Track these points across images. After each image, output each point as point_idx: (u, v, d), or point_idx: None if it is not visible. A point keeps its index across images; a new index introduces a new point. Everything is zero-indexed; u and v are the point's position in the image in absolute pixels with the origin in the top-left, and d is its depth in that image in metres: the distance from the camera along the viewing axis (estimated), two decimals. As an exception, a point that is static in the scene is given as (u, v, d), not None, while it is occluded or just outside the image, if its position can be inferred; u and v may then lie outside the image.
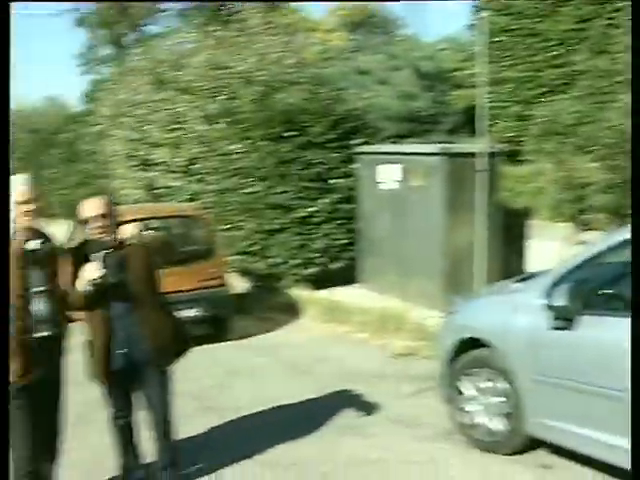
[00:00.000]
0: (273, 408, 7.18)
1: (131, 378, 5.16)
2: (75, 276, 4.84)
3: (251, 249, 11.92)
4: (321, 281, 11.91)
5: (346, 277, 11.97)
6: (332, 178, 11.82)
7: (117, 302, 4.97)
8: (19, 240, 4.73)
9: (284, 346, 9.62)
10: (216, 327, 9.87)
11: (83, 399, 6.48)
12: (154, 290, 5.12)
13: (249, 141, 11.98)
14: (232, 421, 6.89)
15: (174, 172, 13.88)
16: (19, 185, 4.77)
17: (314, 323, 10.74)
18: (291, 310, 11.30)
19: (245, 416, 6.99)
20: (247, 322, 10.84)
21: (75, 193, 20.49)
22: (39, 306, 4.78)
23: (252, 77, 14.01)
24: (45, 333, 4.81)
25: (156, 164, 14.36)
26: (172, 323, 5.23)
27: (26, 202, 4.72)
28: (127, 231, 5.02)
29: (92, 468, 5.92)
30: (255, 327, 10.62)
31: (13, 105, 43.67)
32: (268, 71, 14.16)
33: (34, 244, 4.79)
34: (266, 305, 11.51)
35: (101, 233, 4.89)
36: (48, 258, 4.85)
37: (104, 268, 4.80)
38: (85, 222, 4.93)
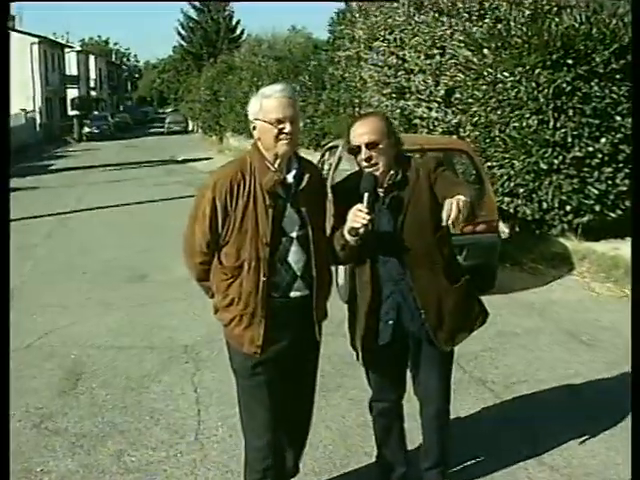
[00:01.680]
0: (554, 389, 5.98)
1: (401, 356, 4.05)
2: (340, 219, 3.74)
3: (518, 191, 10.56)
4: (595, 231, 10.47)
5: (624, 229, 10.41)
6: (616, 114, 10.17)
7: (389, 258, 3.84)
8: (272, 171, 3.70)
9: (557, 306, 8.34)
10: (481, 278, 8.68)
11: (332, 353, 5.60)
12: (441, 246, 3.89)
13: (521, 69, 10.53)
14: (506, 402, 5.76)
15: (432, 101, 12.78)
16: (279, 94, 3.69)
17: (589, 280, 9.34)
18: (561, 263, 9.97)
19: (523, 397, 5.84)
20: (511, 274, 9.67)
21: (322, 122, 20.06)
22: (295, 257, 3.75)
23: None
24: (300, 292, 3.78)
25: (412, 92, 13.28)
26: (463, 291, 3.96)
27: (285, 120, 3.64)
28: (413, 165, 3.88)
29: (338, 451, 5.02)
30: (521, 281, 9.41)
31: (262, 34, 44.58)
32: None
33: (292, 176, 3.76)
34: (532, 255, 10.21)
35: (373, 166, 3.76)
36: (309, 195, 3.79)
37: (374, 212, 3.66)
38: (356, 150, 3.81)
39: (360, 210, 3.55)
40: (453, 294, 3.90)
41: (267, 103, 3.67)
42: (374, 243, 3.77)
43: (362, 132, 3.77)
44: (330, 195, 4.01)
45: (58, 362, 6.95)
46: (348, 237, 3.66)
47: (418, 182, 3.80)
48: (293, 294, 3.77)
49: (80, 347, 7.38)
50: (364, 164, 3.78)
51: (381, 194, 3.81)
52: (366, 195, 3.62)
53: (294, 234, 3.74)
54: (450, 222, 3.38)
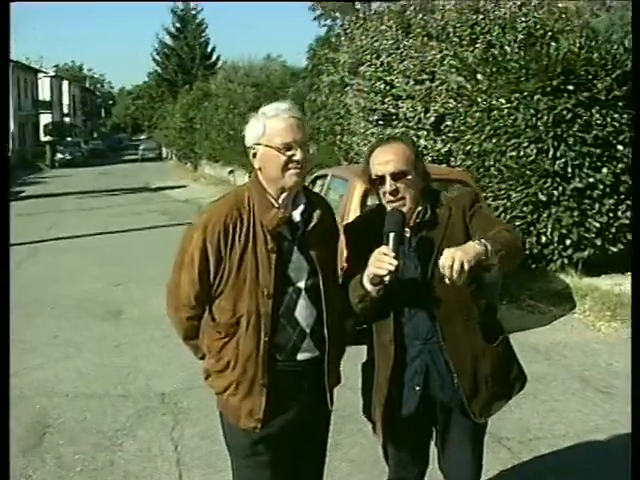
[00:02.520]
0: (576, 447, 5.37)
1: (426, 427, 3.41)
2: (355, 266, 3.13)
3: (514, 223, 10.01)
4: (596, 266, 9.95)
5: (626, 263, 9.90)
6: (618, 144, 9.72)
7: (416, 312, 3.18)
8: (276, 207, 3.07)
9: (563, 348, 7.75)
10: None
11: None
12: (477, 297, 3.24)
13: (518, 95, 10.04)
14: (526, 463, 5.14)
15: (421, 129, 12.25)
16: (287, 114, 3.05)
17: (594, 319, 8.76)
18: (562, 300, 9.40)
19: (544, 456, 5.22)
20: (508, 311, 9.05)
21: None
22: (303, 312, 3.10)
23: (514, 24, 12.14)
24: (310, 354, 3.13)
25: (400, 119, 12.76)
26: (502, 351, 3.33)
27: (295, 145, 3.00)
28: (448, 200, 3.26)
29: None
30: (520, 319, 8.81)
31: (238, 61, 44.32)
32: (532, 17, 12.24)
33: (299, 213, 3.12)
34: (530, 292, 9.64)
35: (399, 200, 3.13)
36: (319, 236, 3.14)
37: (399, 257, 2.98)
38: (377, 182, 3.18)
39: (385, 254, 2.92)
40: (490, 355, 3.26)
41: (272, 125, 3.03)
42: (399, 294, 3.13)
43: (387, 159, 3.14)
44: (342, 235, 3.38)
45: (21, 413, 6.22)
46: (369, 286, 3.02)
47: (450, 221, 3.18)
48: (301, 356, 3.12)
49: (47, 395, 6.69)
50: (389, 198, 3.14)
51: (407, 235, 3.18)
52: (392, 236, 2.99)
53: (302, 284, 3.09)
54: (447, 279, 2.81)
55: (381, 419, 3.27)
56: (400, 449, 3.42)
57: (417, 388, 3.21)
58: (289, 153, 2.99)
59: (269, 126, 3.03)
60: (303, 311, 3.09)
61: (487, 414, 3.29)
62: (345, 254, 3.30)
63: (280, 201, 3.07)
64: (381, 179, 3.14)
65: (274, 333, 3.05)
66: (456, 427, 3.33)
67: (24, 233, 17.65)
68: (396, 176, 3.11)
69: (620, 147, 9.70)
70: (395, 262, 2.89)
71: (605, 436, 5.52)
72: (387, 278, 2.93)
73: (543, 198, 9.76)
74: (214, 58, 65.66)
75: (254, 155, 3.10)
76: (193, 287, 3.10)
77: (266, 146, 3.02)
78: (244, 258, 3.03)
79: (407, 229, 3.17)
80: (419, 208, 3.18)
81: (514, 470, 5.02)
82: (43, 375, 7.25)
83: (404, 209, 3.13)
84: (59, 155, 56.16)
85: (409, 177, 3.13)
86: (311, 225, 3.11)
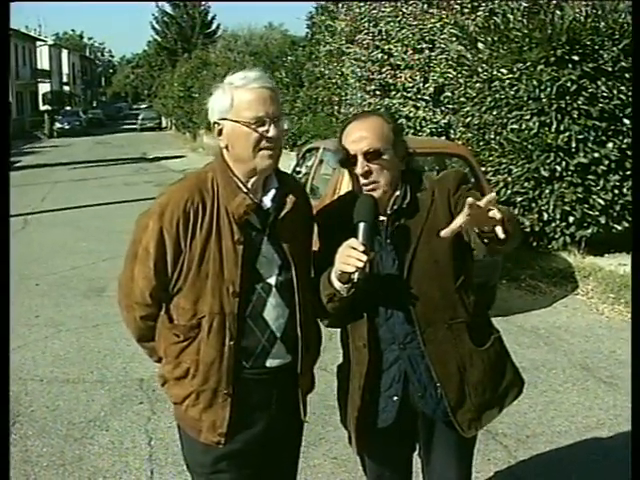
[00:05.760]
0: (577, 444, 5.02)
1: (407, 438, 3.01)
2: (329, 258, 2.66)
3: (515, 199, 9.66)
4: (599, 245, 9.60)
5: (630, 242, 9.55)
6: (625, 117, 9.33)
7: (394, 313, 2.78)
8: (244, 192, 2.67)
9: (565, 333, 7.40)
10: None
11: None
12: (463, 294, 2.83)
13: (521, 65, 9.62)
14: (523, 463, 4.79)
15: (420, 100, 11.86)
16: (257, 84, 2.62)
17: (597, 302, 8.42)
18: (563, 280, 9.07)
19: (542, 455, 4.87)
20: (508, 292, 8.74)
21: (300, 121, 19.11)
22: (274, 312, 2.71)
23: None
24: (280, 360, 2.75)
25: (398, 89, 12.35)
26: (492, 354, 2.91)
27: (268, 119, 2.60)
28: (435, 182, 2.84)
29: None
30: (520, 300, 8.50)
31: (238, 30, 43.87)
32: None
33: (270, 199, 2.72)
34: (530, 271, 9.28)
35: (370, 185, 2.72)
36: (293, 225, 2.74)
37: (373, 250, 2.65)
38: (351, 161, 2.74)
39: (354, 248, 2.50)
40: (480, 360, 2.85)
41: (240, 96, 2.60)
42: (373, 291, 2.73)
43: (360, 136, 2.71)
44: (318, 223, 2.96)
45: (-9, 400, 5.90)
46: (337, 285, 2.62)
47: (433, 207, 2.76)
48: (270, 363, 2.72)
49: (20, 380, 6.34)
50: (361, 181, 2.73)
51: (383, 224, 2.78)
52: (362, 226, 2.58)
53: (272, 280, 2.70)
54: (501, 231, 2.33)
55: (355, 431, 2.89)
56: (378, 463, 3.04)
57: (395, 398, 2.82)
58: (261, 129, 2.58)
59: (237, 98, 2.61)
60: (273, 311, 2.70)
61: (476, 427, 2.90)
62: (322, 245, 2.90)
63: (249, 185, 2.67)
64: (353, 158, 2.72)
65: (240, 337, 2.66)
66: (441, 441, 2.95)
67: (15, 204, 17.28)
68: (369, 156, 2.69)
69: (627, 121, 9.34)
70: (364, 257, 2.48)
71: (608, 433, 5.18)
72: (356, 275, 2.52)
73: (545, 173, 9.41)
74: (214, 27, 65.13)
75: (220, 132, 2.67)
76: (148, 283, 2.72)
77: (234, 121, 2.61)
78: (207, 250, 2.63)
79: (383, 218, 2.76)
80: (397, 193, 2.77)
81: (509, 471, 4.67)
82: (20, 358, 6.90)
83: (376, 194, 2.71)
84: (58, 124, 55.50)
85: (385, 157, 2.71)
86: (284, 212, 2.70)
